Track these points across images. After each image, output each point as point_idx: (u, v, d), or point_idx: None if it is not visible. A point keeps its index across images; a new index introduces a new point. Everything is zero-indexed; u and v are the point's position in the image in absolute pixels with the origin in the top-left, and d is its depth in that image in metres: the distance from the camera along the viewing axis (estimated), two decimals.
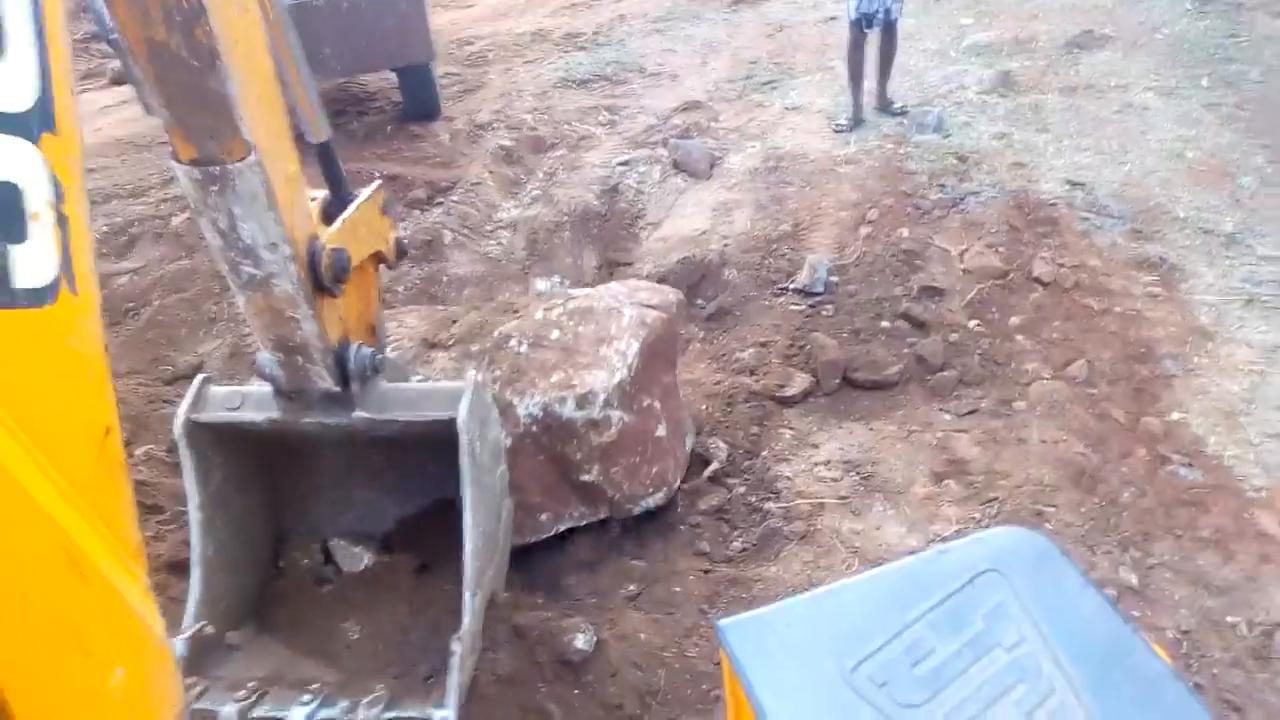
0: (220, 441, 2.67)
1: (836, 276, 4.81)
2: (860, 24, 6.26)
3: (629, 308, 3.58)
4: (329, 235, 2.32)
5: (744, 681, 1.61)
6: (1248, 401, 4.00)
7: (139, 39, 1.81)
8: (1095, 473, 3.66)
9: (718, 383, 4.27)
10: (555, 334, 3.46)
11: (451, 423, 2.45)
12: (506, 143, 6.72)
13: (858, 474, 3.75)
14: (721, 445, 3.96)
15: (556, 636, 3.02)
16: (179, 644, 2.47)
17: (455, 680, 2.38)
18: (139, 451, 4.32)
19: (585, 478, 3.33)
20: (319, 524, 2.99)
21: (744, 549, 3.50)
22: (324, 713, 2.39)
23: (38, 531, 1.15)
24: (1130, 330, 4.38)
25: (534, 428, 3.27)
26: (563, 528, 3.41)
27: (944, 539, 3.40)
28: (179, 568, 3.56)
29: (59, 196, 1.18)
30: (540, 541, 3.37)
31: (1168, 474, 3.69)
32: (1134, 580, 3.24)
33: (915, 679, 1.55)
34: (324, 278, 2.25)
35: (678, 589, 3.33)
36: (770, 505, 3.65)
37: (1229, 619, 3.11)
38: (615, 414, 3.32)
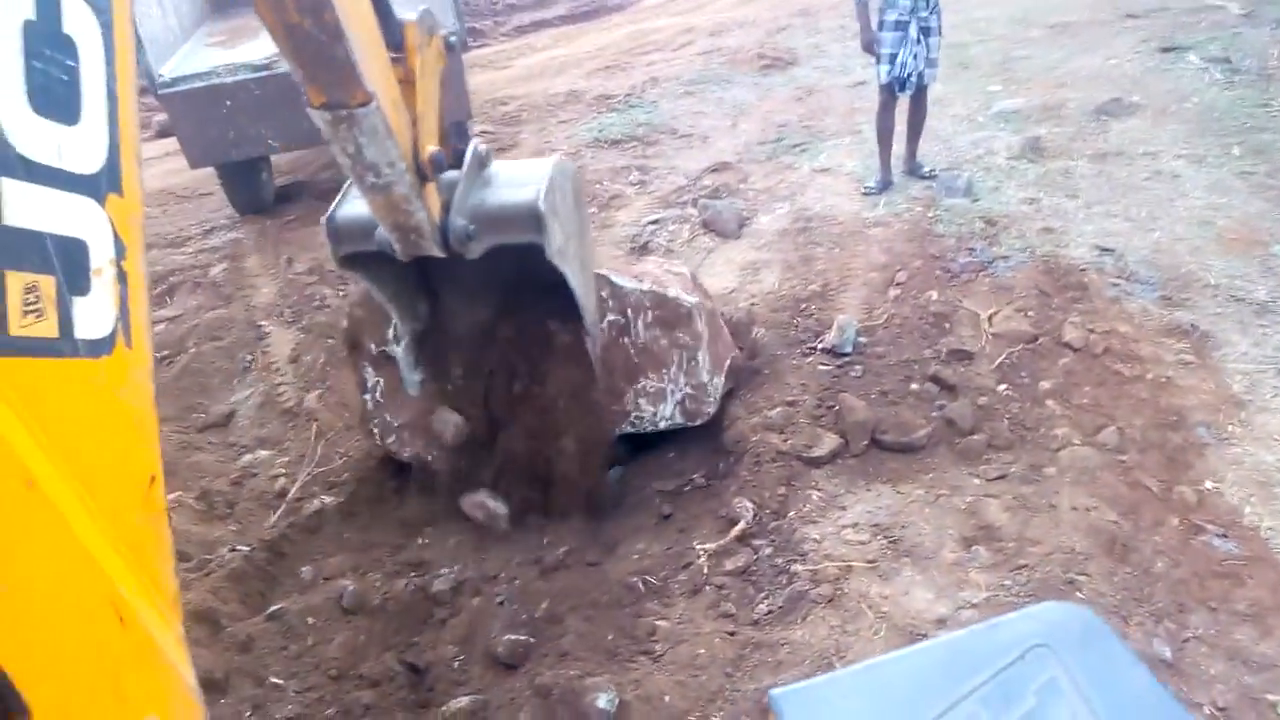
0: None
1: (865, 337, 4.82)
2: (892, 88, 6.31)
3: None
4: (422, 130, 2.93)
5: None
6: None
7: (277, 23, 2.30)
8: (1128, 541, 3.61)
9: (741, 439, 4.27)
10: None
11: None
12: None
13: (886, 538, 3.71)
14: (748, 505, 3.95)
15: (580, 696, 3.01)
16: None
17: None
18: (169, 498, 4.36)
19: None
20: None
21: (770, 611, 3.46)
22: None
23: (84, 576, 1.20)
24: (1162, 398, 4.34)
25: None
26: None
27: (973, 605, 3.36)
28: (205, 617, 3.59)
29: (120, 254, 1.26)
30: None
31: (1202, 544, 3.62)
32: (1168, 653, 3.16)
33: None
34: (427, 174, 2.97)
35: (702, 651, 3.29)
36: (797, 567, 3.62)
37: (1269, 697, 3.02)
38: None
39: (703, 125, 8.53)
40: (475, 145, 3.35)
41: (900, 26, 6.05)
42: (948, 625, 3.29)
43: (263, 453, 4.85)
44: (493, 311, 3.96)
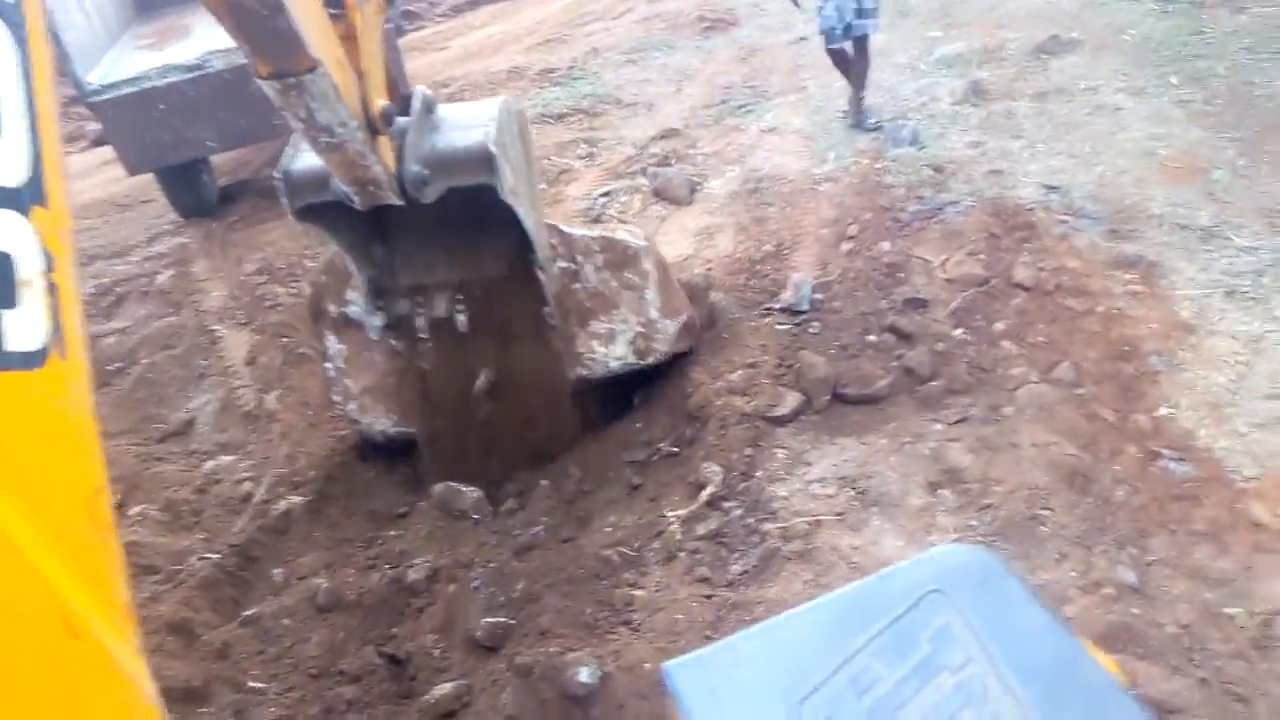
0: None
1: (821, 294, 4.84)
2: (829, 38, 6.41)
3: None
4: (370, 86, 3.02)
5: None
6: (1234, 393, 4.02)
7: (219, 1, 2.40)
8: (1088, 473, 3.68)
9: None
10: None
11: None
12: None
13: (853, 489, 3.76)
14: (716, 469, 3.98)
15: (560, 672, 3.03)
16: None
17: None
18: (133, 511, 4.33)
19: None
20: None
21: (744, 572, 3.50)
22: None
23: (31, 589, 1.19)
24: (1114, 329, 4.41)
25: None
26: None
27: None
28: (179, 628, 3.57)
29: (49, 266, 1.27)
30: None
31: (1159, 470, 3.70)
32: (1133, 578, 3.24)
33: (862, 710, 1.54)
34: (379, 128, 3.05)
35: (680, 616, 3.32)
36: (768, 526, 3.66)
37: (1228, 610, 3.11)
38: None
39: (647, 93, 8.47)
40: (421, 91, 3.44)
41: None
42: None
43: (225, 458, 4.81)
44: (446, 254, 4.05)
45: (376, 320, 4.05)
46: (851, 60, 6.61)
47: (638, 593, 3.48)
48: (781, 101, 7.66)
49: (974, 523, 3.50)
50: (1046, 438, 3.83)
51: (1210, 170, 5.54)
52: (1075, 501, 3.56)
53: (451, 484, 4.18)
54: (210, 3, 2.43)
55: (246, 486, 4.54)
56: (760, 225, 5.78)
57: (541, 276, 3.92)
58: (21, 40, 1.28)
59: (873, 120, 6.71)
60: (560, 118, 8.10)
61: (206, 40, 6.78)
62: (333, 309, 4.27)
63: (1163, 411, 3.98)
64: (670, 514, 3.82)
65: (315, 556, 4.06)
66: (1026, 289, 4.64)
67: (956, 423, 4.02)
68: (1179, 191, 5.39)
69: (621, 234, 4.19)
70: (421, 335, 4.11)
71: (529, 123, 3.91)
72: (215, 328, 5.86)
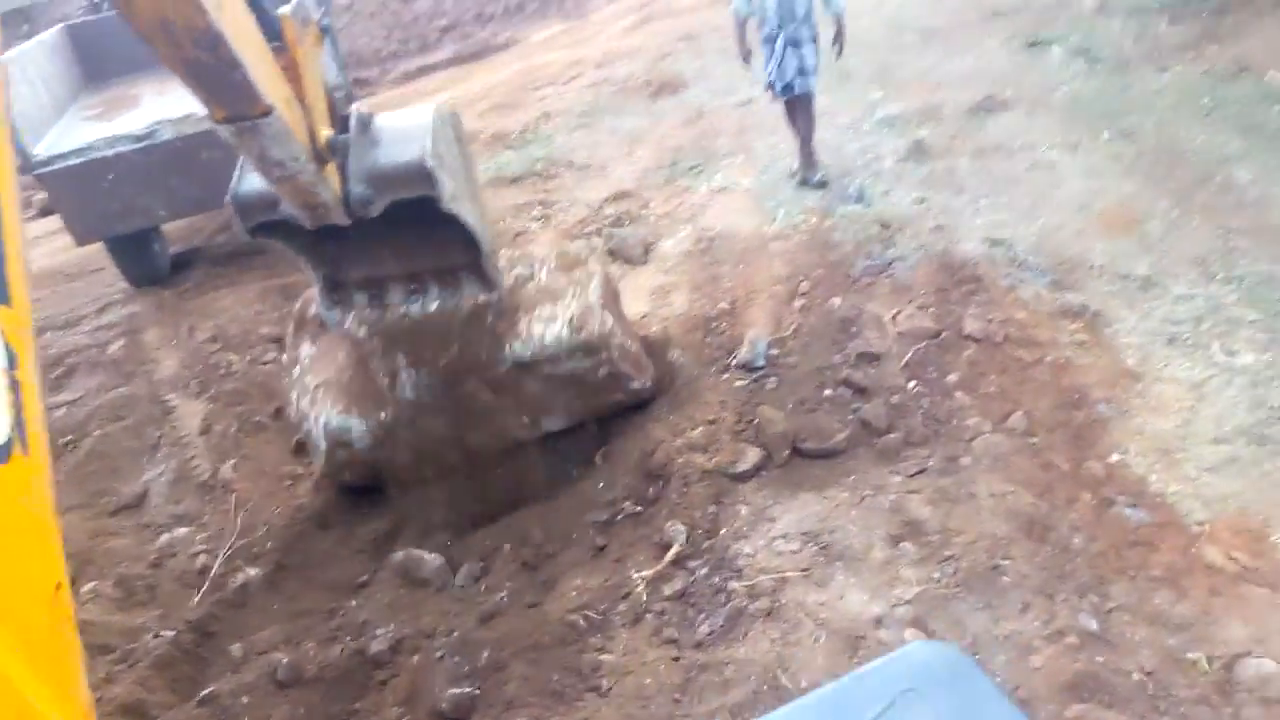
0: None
1: (776, 349, 4.91)
2: (773, 92, 6.73)
3: None
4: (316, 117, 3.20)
5: None
6: (1181, 438, 4.13)
7: (177, 60, 2.52)
8: (1045, 521, 3.74)
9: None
10: None
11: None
12: None
13: (816, 544, 3.77)
14: (680, 527, 3.98)
15: None
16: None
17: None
18: (85, 589, 4.20)
19: None
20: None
21: (711, 632, 3.49)
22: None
23: None
24: (1063, 378, 4.52)
25: None
26: None
27: (907, 601, 3.44)
28: (134, 710, 3.45)
29: (12, 363, 1.28)
30: None
31: (1115, 516, 3.78)
32: (1094, 626, 3.29)
33: None
34: (326, 158, 3.24)
35: (648, 680, 3.30)
36: (734, 584, 3.66)
37: (1189, 655, 3.17)
38: None
39: (600, 155, 8.60)
40: (356, 110, 3.59)
41: (769, 40, 6.51)
42: (884, 624, 3.36)
43: (181, 530, 4.70)
44: (395, 249, 4.17)
45: (334, 314, 4.24)
46: (800, 119, 6.82)
47: (605, 657, 3.45)
48: (730, 162, 7.82)
49: (937, 575, 3.54)
50: (1003, 487, 3.89)
51: (1145, 221, 5.75)
52: (1035, 550, 3.61)
53: (413, 551, 4.13)
54: (168, 59, 2.52)
55: (202, 560, 4.44)
56: (714, 283, 5.86)
57: (487, 265, 4.11)
58: None
59: (818, 176, 6.89)
60: (514, 180, 8.19)
61: (155, 110, 6.77)
62: (312, 312, 4.55)
63: (1114, 458, 4.07)
64: (636, 575, 3.81)
65: (274, 630, 3.97)
66: (976, 340, 4.75)
67: (915, 474, 4.07)
68: (1117, 243, 5.58)
69: (574, 247, 4.59)
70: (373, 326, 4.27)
71: (461, 119, 4.10)
72: (168, 397, 5.76)
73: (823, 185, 6.81)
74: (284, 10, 3.07)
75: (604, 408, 4.65)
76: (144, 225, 6.89)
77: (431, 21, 15.59)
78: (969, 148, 7.13)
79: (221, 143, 6.29)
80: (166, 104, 6.76)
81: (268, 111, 2.78)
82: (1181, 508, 3.79)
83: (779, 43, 6.49)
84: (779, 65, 6.54)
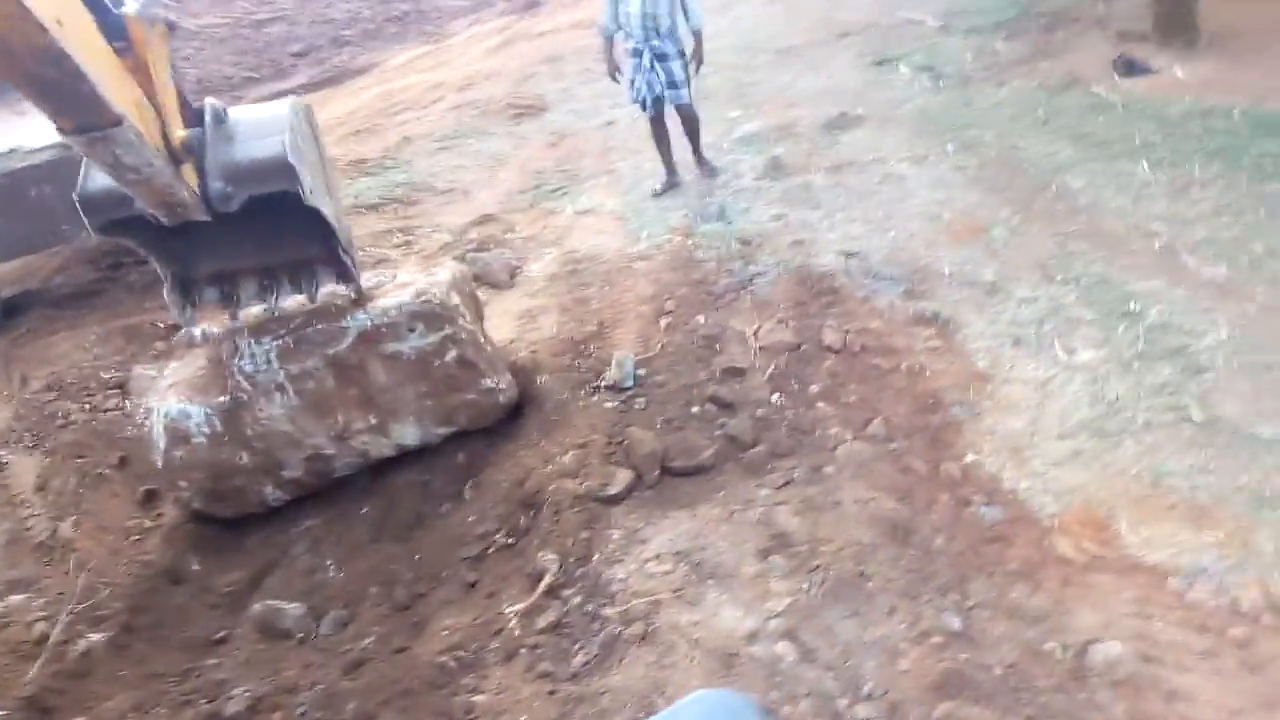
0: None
1: (644, 369, 4.91)
2: (642, 107, 7.00)
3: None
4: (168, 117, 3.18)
5: None
6: (1030, 435, 4.31)
7: (19, 75, 2.46)
8: (908, 525, 3.83)
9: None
10: None
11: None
12: None
13: (688, 563, 3.76)
14: (552, 556, 3.90)
15: None
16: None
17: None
18: None
19: None
20: None
21: (586, 662, 3.42)
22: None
23: None
24: (918, 384, 4.66)
25: None
26: None
27: (778, 614, 3.45)
28: None
29: None
30: None
31: (971, 515, 3.90)
32: (957, 624, 3.37)
33: None
34: (181, 158, 3.25)
35: (524, 718, 3.21)
36: (607, 611, 3.60)
37: (1046, 646, 3.28)
38: None
39: (462, 179, 8.49)
40: (210, 104, 3.53)
41: (636, 54, 6.77)
42: (757, 638, 3.37)
43: (15, 598, 4.32)
44: (249, 241, 4.09)
45: (186, 313, 4.13)
46: (684, 124, 7.19)
47: (478, 698, 3.34)
48: (594, 184, 7.84)
49: (806, 585, 3.57)
50: (867, 494, 3.97)
51: (989, 229, 6.02)
52: (899, 554, 3.69)
53: (270, 603, 3.93)
54: (8, 75, 2.47)
55: (40, 627, 4.09)
56: (581, 305, 5.83)
57: (345, 258, 4.11)
58: None
59: (711, 165, 7.38)
60: (374, 207, 8.00)
61: None
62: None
63: (969, 458, 4.21)
64: (509, 609, 3.71)
65: (123, 698, 3.69)
66: (835, 351, 4.86)
67: (782, 486, 4.12)
68: (964, 250, 5.82)
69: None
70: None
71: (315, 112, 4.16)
72: None
73: (714, 174, 7.29)
74: (128, 10, 2.98)
75: (456, 414, 4.56)
76: None
77: (284, 46, 15.17)
78: (824, 163, 7.34)
79: (49, 177, 5.92)
80: None
81: (118, 121, 2.73)
82: (1033, 503, 3.93)
83: (645, 57, 6.73)
84: (645, 80, 6.79)
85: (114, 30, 2.89)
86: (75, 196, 3.49)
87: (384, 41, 15.19)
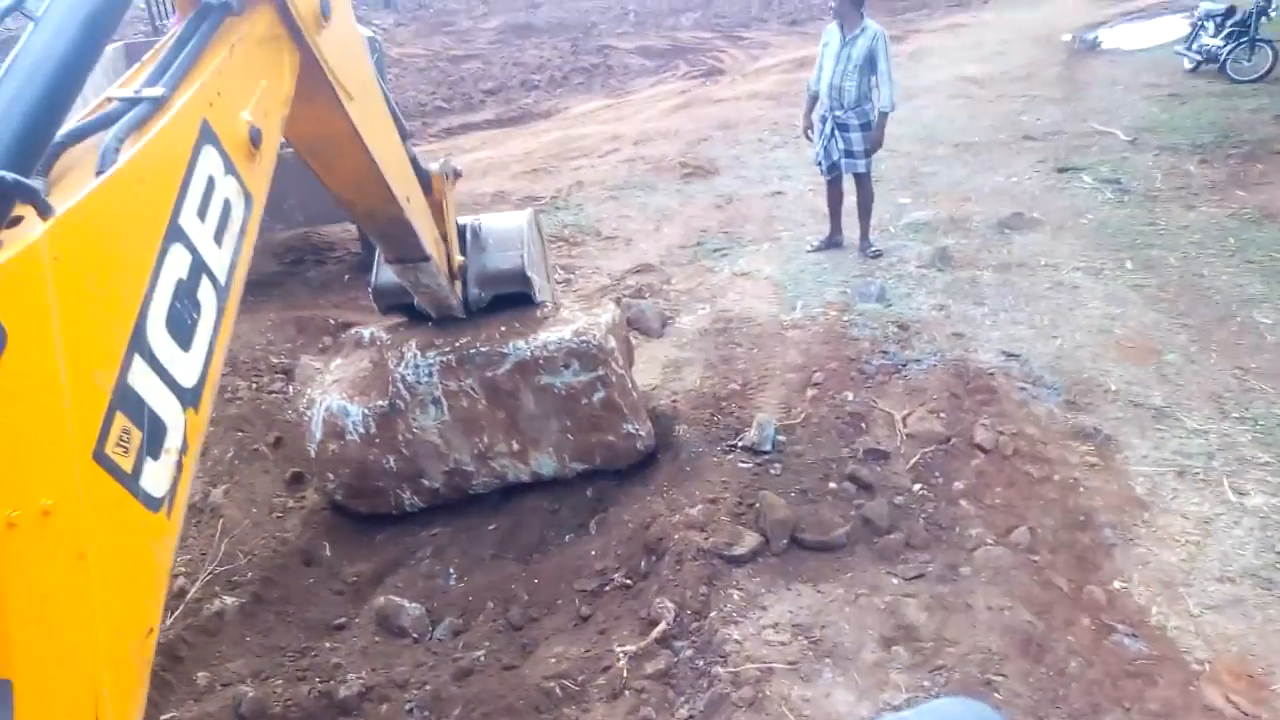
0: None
1: (784, 436, 4.87)
2: (822, 172, 7.41)
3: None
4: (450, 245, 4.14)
5: None
6: (1186, 572, 4.05)
7: (374, 229, 3.52)
8: (1042, 641, 3.64)
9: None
10: None
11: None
12: None
13: (806, 638, 3.68)
14: (669, 605, 3.88)
15: None
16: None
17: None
18: None
19: None
20: None
21: (690, 716, 3.38)
22: None
23: (79, 674, 1.42)
24: (1070, 498, 4.46)
25: None
26: None
27: (894, 707, 3.33)
28: None
29: (183, 451, 1.67)
30: None
31: (1113, 644, 3.68)
32: None
33: None
34: (456, 276, 4.25)
35: None
36: (718, 669, 3.55)
37: None
38: None
39: (626, 228, 8.71)
40: (472, 224, 4.44)
41: (823, 120, 7.20)
42: None
43: None
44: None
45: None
46: (857, 195, 7.37)
47: None
48: (755, 248, 7.91)
49: (927, 683, 3.43)
50: (1002, 601, 3.81)
51: (1163, 353, 5.75)
52: (1029, 670, 3.51)
53: (393, 598, 4.05)
54: (367, 226, 3.61)
55: (181, 581, 4.33)
56: (727, 364, 5.86)
57: (539, 313, 4.63)
58: (222, 309, 1.82)
59: (875, 248, 7.36)
60: None
61: None
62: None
63: (1116, 585, 3.99)
64: (619, 649, 3.70)
65: (244, 662, 3.86)
66: (986, 451, 4.71)
67: (913, 578, 3.99)
68: (1133, 370, 5.58)
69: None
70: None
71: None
72: None
73: (878, 255, 7.34)
74: (434, 168, 3.83)
75: (593, 452, 4.62)
76: None
77: (477, 83, 16.01)
78: (993, 261, 7.20)
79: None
80: None
81: (428, 259, 3.72)
82: (1182, 643, 3.69)
83: (828, 125, 7.11)
84: (824, 146, 7.19)
85: (424, 182, 3.69)
86: (369, 288, 4.50)
87: (569, 90, 15.85)
